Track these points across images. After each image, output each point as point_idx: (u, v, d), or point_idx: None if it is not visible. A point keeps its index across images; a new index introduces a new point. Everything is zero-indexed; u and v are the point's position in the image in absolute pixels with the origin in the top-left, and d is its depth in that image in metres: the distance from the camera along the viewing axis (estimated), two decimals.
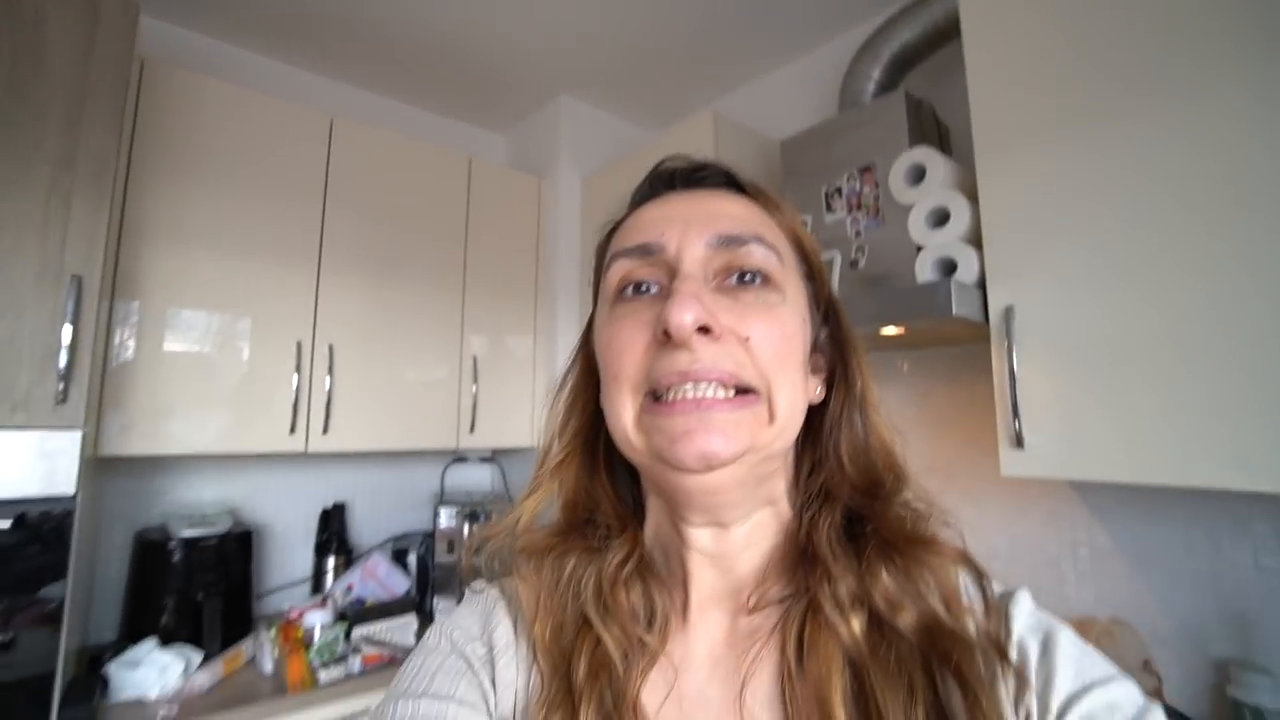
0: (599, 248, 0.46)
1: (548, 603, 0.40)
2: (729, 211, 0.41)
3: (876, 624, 0.36)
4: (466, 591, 0.46)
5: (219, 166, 1.47)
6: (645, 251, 0.39)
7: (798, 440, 0.42)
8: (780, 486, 0.42)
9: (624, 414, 0.38)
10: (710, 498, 0.38)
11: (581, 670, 0.37)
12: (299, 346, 1.54)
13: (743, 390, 0.37)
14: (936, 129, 1.35)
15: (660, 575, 0.42)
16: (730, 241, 0.39)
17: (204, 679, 1.26)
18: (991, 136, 1.06)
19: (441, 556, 1.68)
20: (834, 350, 0.45)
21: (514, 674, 0.40)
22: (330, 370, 1.57)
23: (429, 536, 1.74)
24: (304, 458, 1.77)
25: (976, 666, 0.33)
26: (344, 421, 1.59)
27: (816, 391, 0.44)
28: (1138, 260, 0.88)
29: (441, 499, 1.82)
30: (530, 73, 1.95)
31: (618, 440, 0.40)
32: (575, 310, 2.02)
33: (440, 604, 1.62)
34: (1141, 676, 0.91)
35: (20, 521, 1.07)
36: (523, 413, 1.95)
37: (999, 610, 0.36)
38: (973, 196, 1.08)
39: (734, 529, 0.41)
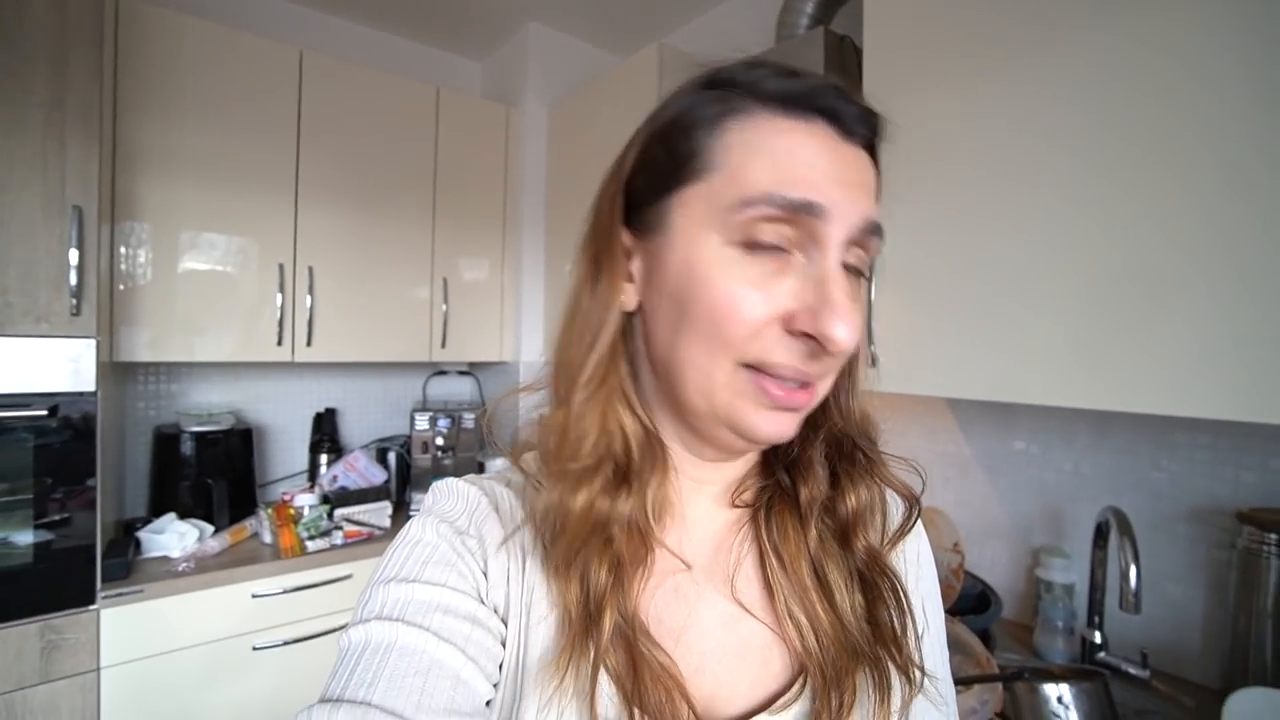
0: (701, 100, 0.38)
1: (574, 526, 0.38)
2: (873, 187, 0.37)
3: (832, 532, 0.44)
4: (441, 486, 0.45)
5: (199, 99, 1.60)
6: (805, 210, 0.34)
7: None
8: None
9: (714, 373, 0.37)
10: (745, 451, 0.43)
11: (602, 580, 0.38)
12: (281, 268, 1.72)
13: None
14: (858, 66, 1.40)
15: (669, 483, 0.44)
16: (872, 230, 0.36)
17: (215, 544, 1.53)
18: (881, 76, 1.14)
19: (417, 456, 1.93)
20: None
21: (505, 567, 0.41)
22: (311, 290, 1.76)
23: (407, 439, 1.98)
24: (295, 367, 2.00)
25: (898, 579, 0.43)
26: (325, 336, 1.80)
27: None
28: (980, 205, 0.98)
29: (421, 407, 2.04)
30: None
31: (687, 388, 0.38)
32: (540, 237, 2.16)
33: (415, 495, 1.89)
34: (950, 555, 1.09)
35: (55, 411, 1.31)
36: (491, 331, 2.14)
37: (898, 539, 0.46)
38: None
39: (728, 464, 0.45)
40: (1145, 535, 1.01)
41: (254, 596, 1.50)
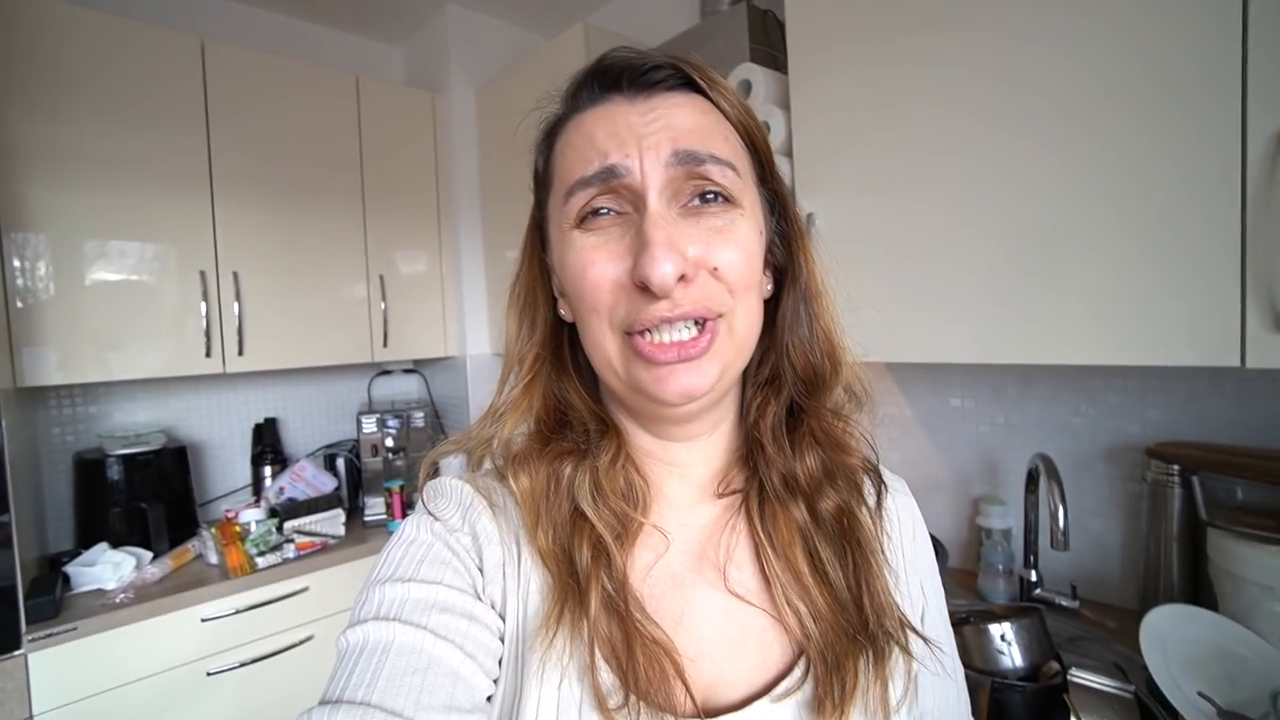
0: (539, 144, 0.45)
1: (544, 504, 0.41)
2: (684, 121, 0.39)
3: (812, 508, 0.43)
4: (432, 488, 0.45)
5: (89, 96, 1.47)
6: (608, 176, 0.38)
7: None
8: (735, 388, 0.46)
9: (605, 345, 0.40)
10: (686, 418, 0.43)
11: (586, 557, 0.39)
12: (203, 275, 1.62)
13: (713, 317, 0.39)
14: (782, 39, 1.41)
15: (640, 468, 0.45)
16: (688, 159, 0.38)
17: (155, 571, 1.45)
18: (804, 50, 1.15)
19: (367, 460, 1.87)
20: (783, 245, 0.45)
21: (500, 561, 0.41)
22: (238, 297, 1.67)
23: (356, 443, 1.92)
24: (229, 378, 1.89)
25: (871, 540, 0.43)
26: (258, 343, 1.71)
27: (767, 288, 0.45)
28: (914, 171, 1.00)
29: (367, 409, 1.98)
30: None
31: (599, 367, 0.42)
32: (477, 225, 2.10)
33: (369, 500, 1.83)
34: None
35: None
36: (434, 325, 2.08)
37: (881, 509, 0.46)
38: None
39: (700, 441, 0.45)
40: (1070, 476, 1.09)
41: (203, 620, 1.43)
